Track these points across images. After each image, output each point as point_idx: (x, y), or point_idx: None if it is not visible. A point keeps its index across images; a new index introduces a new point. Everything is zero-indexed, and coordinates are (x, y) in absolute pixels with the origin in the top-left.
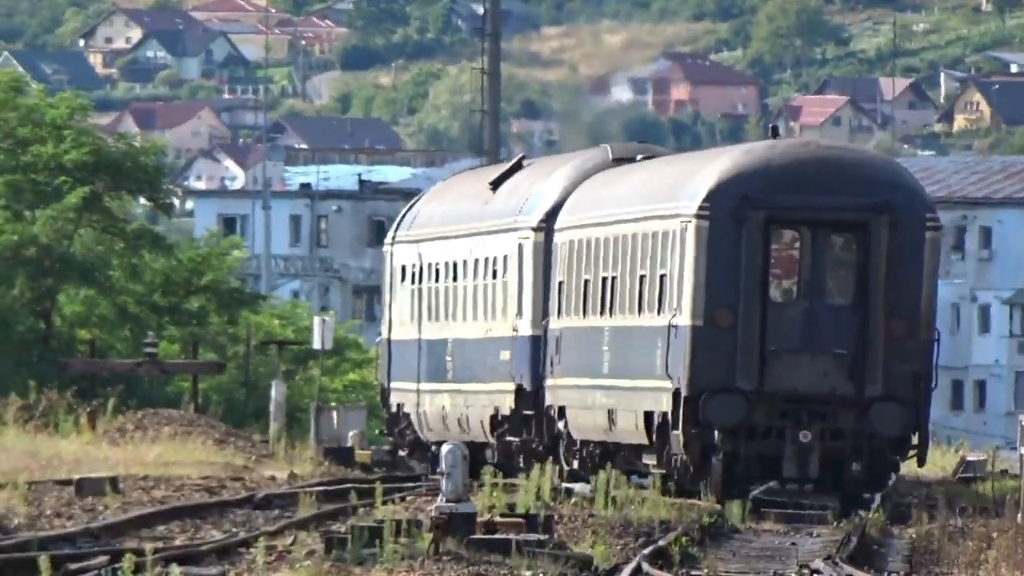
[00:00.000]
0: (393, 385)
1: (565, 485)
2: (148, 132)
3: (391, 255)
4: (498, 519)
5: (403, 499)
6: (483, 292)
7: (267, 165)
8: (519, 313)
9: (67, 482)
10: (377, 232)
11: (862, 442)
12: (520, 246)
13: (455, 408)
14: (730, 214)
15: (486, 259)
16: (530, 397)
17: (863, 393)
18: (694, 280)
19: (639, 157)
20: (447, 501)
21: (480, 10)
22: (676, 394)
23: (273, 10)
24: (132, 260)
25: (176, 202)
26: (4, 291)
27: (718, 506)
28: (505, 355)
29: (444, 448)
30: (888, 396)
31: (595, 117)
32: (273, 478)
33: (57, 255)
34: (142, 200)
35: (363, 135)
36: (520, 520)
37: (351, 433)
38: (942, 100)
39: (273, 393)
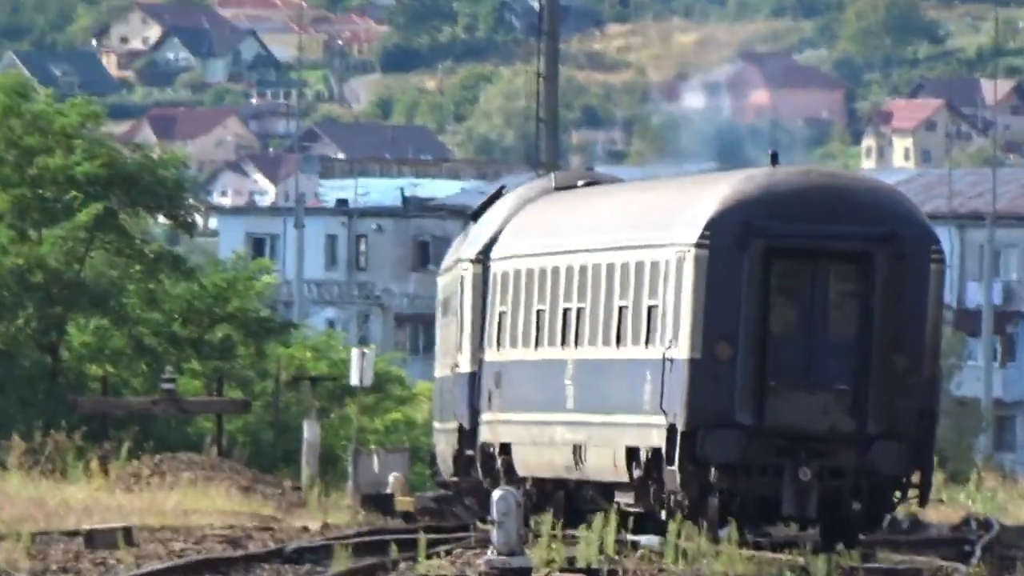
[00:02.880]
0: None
1: (631, 537)
2: (168, 142)
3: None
4: (557, 575)
5: (449, 552)
6: (452, 328)
7: (300, 178)
8: (459, 348)
9: (76, 533)
10: (422, 254)
11: (862, 481)
12: (462, 278)
13: (441, 446)
14: (731, 244)
15: (453, 293)
16: (470, 435)
17: (864, 430)
18: (692, 312)
19: (579, 183)
20: (499, 554)
21: (536, 6)
22: (671, 429)
23: (307, 6)
24: (149, 286)
25: (199, 220)
26: (8, 321)
27: (801, 560)
28: (455, 392)
29: (495, 494)
30: (890, 434)
31: (665, 125)
32: (305, 529)
33: (66, 280)
34: (161, 218)
35: (406, 145)
36: None
37: (391, 478)
38: None
39: (305, 434)
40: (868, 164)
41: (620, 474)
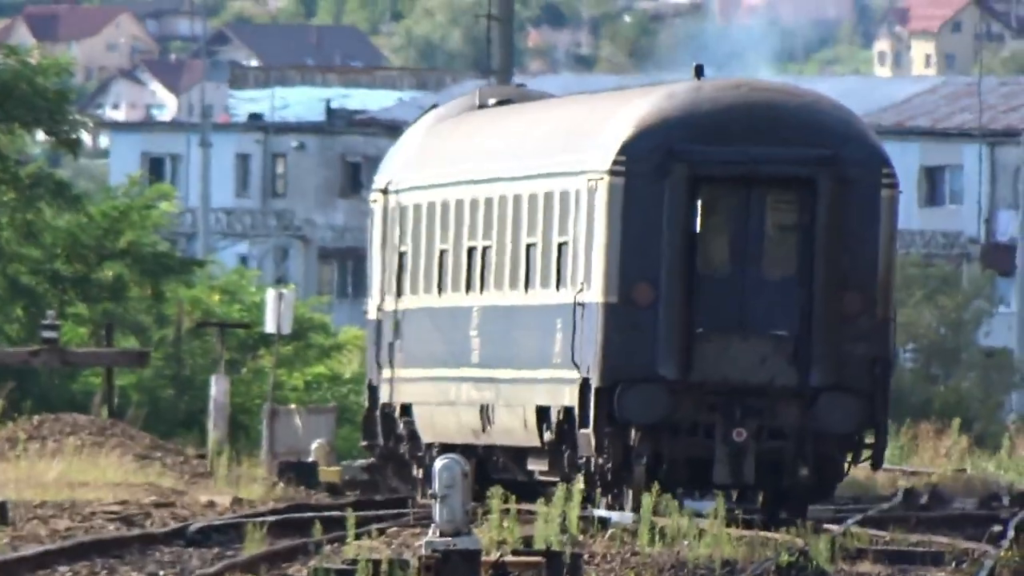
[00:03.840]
0: None
1: (598, 513)
2: (49, 44)
3: None
4: (510, 558)
5: (383, 531)
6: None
7: (206, 88)
8: (369, 292)
9: None
10: (351, 177)
11: (807, 441)
12: (372, 212)
13: None
14: (650, 170)
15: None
16: (375, 394)
17: (808, 382)
18: (607, 249)
19: (491, 102)
20: (442, 534)
21: None
22: (584, 385)
23: None
24: (27, 215)
25: (86, 137)
26: None
27: (799, 541)
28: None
29: (438, 463)
30: (838, 386)
31: (639, 26)
32: (211, 504)
33: None
34: (40, 135)
35: (332, 49)
36: (539, 559)
37: (315, 444)
38: None
39: (212, 391)
40: (882, 71)
41: (531, 437)
